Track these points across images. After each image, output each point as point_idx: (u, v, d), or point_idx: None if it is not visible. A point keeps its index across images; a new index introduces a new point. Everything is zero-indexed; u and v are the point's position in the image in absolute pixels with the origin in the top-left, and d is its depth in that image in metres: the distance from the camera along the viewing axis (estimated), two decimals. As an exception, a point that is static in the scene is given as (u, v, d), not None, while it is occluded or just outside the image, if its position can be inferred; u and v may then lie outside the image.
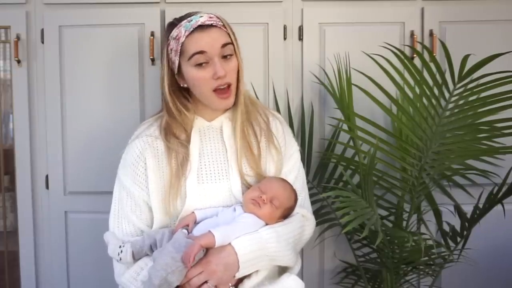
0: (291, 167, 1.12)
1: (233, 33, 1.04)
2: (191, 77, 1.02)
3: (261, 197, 0.99)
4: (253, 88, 1.50)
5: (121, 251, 0.97)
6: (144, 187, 1.04)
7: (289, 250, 1.00)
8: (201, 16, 1.00)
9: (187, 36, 0.99)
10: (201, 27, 0.99)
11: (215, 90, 1.02)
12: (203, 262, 0.91)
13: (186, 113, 1.06)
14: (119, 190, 1.08)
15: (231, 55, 1.02)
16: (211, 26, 1.00)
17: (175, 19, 1.05)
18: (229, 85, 1.02)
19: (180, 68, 1.03)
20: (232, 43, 1.03)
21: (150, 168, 1.04)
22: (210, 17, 1.01)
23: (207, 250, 0.93)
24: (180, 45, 1.00)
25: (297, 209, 1.07)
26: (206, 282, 0.91)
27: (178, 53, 1.01)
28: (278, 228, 0.99)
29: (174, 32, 1.01)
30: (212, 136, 1.08)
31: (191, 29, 0.99)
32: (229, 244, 0.93)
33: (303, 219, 1.08)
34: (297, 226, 1.05)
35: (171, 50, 1.02)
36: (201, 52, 0.99)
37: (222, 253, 0.92)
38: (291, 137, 1.17)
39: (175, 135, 1.05)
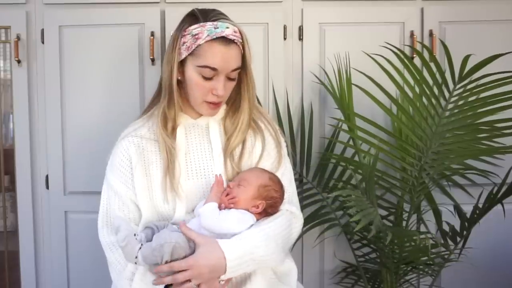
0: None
1: (249, 49, 1.03)
2: (192, 80, 1.01)
3: (229, 186, 1.00)
4: (253, 88, 1.50)
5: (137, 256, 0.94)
6: (131, 186, 1.04)
7: (276, 252, 1.00)
8: (227, 27, 0.98)
9: (207, 41, 0.98)
10: (224, 39, 0.98)
11: (206, 101, 1.03)
12: (190, 261, 0.90)
13: (174, 105, 1.05)
14: (107, 191, 1.08)
15: (235, 78, 1.04)
16: (232, 42, 0.99)
17: (199, 12, 1.02)
18: (221, 101, 1.04)
19: (183, 63, 1.02)
20: (240, 68, 1.03)
21: (136, 167, 1.04)
22: (235, 32, 0.99)
23: (195, 247, 0.93)
24: (196, 45, 0.99)
25: (285, 206, 1.07)
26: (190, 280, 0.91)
27: (190, 51, 1.00)
28: (268, 230, 0.98)
29: (195, 30, 0.99)
30: (198, 134, 1.08)
31: (214, 37, 0.97)
32: (219, 247, 0.92)
33: (291, 216, 1.07)
34: (286, 225, 1.04)
35: (184, 43, 1.00)
36: (213, 69, 0.99)
37: (211, 255, 0.91)
38: (279, 133, 1.15)
39: (165, 126, 1.05)
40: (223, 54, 0.98)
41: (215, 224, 0.96)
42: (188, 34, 1.00)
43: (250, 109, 1.07)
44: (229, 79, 1.02)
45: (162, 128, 1.03)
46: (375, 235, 1.14)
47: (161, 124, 1.04)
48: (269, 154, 1.10)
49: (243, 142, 1.08)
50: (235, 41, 0.99)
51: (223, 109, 1.11)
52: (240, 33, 1.01)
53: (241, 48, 1.02)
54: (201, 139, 1.08)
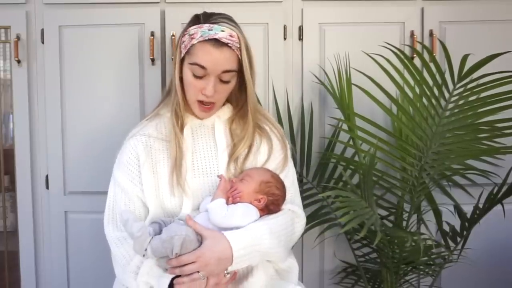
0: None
1: (249, 56, 1.03)
2: (187, 78, 1.05)
3: (232, 181, 1.03)
4: (253, 88, 1.50)
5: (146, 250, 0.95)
6: (138, 183, 1.06)
7: (280, 247, 1.02)
8: (223, 31, 1.00)
9: (200, 42, 1.00)
10: (216, 41, 0.99)
11: (198, 101, 1.05)
12: (197, 253, 0.92)
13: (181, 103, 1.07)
14: (114, 188, 1.10)
15: (229, 81, 1.04)
16: (225, 45, 1.00)
17: (203, 14, 1.05)
18: (213, 103, 1.06)
19: (183, 61, 1.05)
20: (235, 71, 1.03)
21: (144, 165, 1.06)
22: (231, 36, 1.00)
23: (202, 239, 0.94)
24: (191, 45, 1.01)
25: (287, 206, 1.09)
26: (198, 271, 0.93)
27: (186, 50, 1.03)
28: (271, 225, 1.01)
29: (193, 30, 1.02)
30: (204, 134, 1.11)
31: (206, 38, 0.99)
32: (225, 238, 0.94)
33: (294, 215, 1.09)
34: (288, 223, 1.06)
35: (183, 42, 1.04)
36: (202, 67, 1.00)
37: (217, 247, 0.93)
38: (284, 136, 1.17)
39: (177, 123, 1.07)
40: (213, 54, 1.00)
41: (224, 220, 0.97)
42: (187, 34, 1.03)
43: (252, 115, 1.09)
44: (222, 81, 1.03)
45: (175, 124, 1.06)
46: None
47: (174, 120, 1.07)
48: (275, 156, 1.12)
49: (248, 144, 1.10)
50: (229, 44, 1.00)
51: (229, 109, 1.14)
52: (239, 38, 1.02)
53: (238, 53, 1.02)
54: (207, 139, 1.10)
